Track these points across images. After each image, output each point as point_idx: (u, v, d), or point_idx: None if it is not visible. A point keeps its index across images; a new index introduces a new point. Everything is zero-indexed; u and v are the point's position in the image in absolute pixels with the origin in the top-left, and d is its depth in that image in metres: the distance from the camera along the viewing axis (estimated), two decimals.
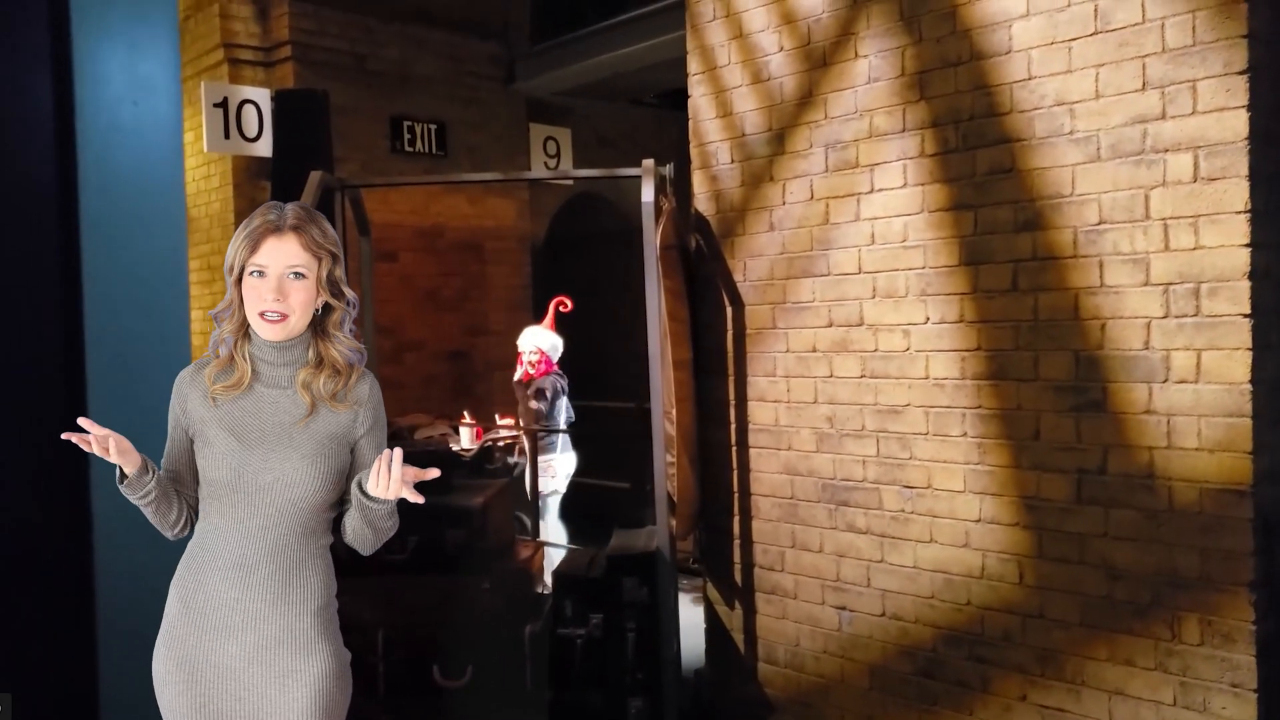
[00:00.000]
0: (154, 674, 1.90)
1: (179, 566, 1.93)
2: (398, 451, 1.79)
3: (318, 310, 1.91)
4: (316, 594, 1.91)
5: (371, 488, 1.82)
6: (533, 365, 5.81)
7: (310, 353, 1.92)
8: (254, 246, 1.85)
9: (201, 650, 1.86)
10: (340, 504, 1.98)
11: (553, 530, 5.84)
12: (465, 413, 6.24)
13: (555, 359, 5.84)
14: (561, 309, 6.00)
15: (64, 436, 1.75)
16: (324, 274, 1.89)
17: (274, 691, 1.85)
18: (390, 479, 1.78)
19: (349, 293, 1.94)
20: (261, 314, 1.86)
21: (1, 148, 2.73)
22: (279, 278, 1.85)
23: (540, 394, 5.73)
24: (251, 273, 1.85)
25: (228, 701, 1.85)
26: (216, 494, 1.87)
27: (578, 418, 6.08)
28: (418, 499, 1.81)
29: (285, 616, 1.87)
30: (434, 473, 1.82)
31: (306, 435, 1.88)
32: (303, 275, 1.86)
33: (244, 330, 1.90)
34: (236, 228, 1.90)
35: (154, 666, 1.90)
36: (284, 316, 1.86)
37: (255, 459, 1.85)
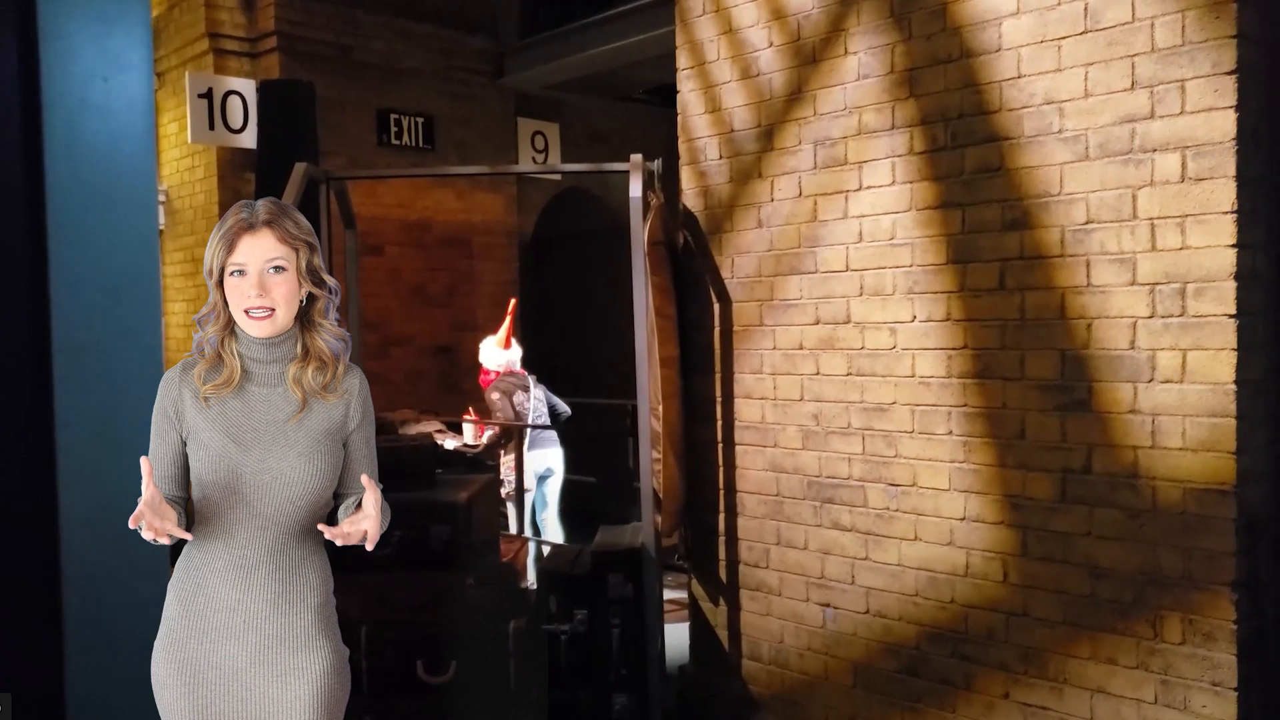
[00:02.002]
0: (153, 678, 1.89)
1: (176, 569, 1.91)
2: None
3: (302, 301, 1.90)
4: (315, 591, 1.91)
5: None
6: (484, 375, 6.01)
7: (298, 346, 1.91)
8: (230, 246, 1.83)
9: (203, 652, 1.85)
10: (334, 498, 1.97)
11: (525, 528, 5.86)
12: (470, 409, 6.26)
13: (511, 368, 5.94)
14: (510, 315, 6.11)
15: (132, 524, 1.72)
16: (303, 264, 1.88)
17: (276, 690, 1.85)
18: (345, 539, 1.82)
19: (330, 280, 1.93)
20: (247, 311, 1.84)
21: None
22: (259, 274, 1.84)
23: (492, 402, 5.89)
24: (232, 273, 1.84)
25: (229, 702, 1.85)
26: (212, 496, 1.85)
27: (562, 413, 6.09)
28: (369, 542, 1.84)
29: (286, 615, 1.86)
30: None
31: (301, 432, 1.87)
32: (283, 268, 1.85)
33: (230, 331, 1.88)
34: (219, 220, 1.89)
35: (153, 670, 1.89)
36: (271, 311, 1.85)
37: (252, 460, 1.84)
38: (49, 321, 2.67)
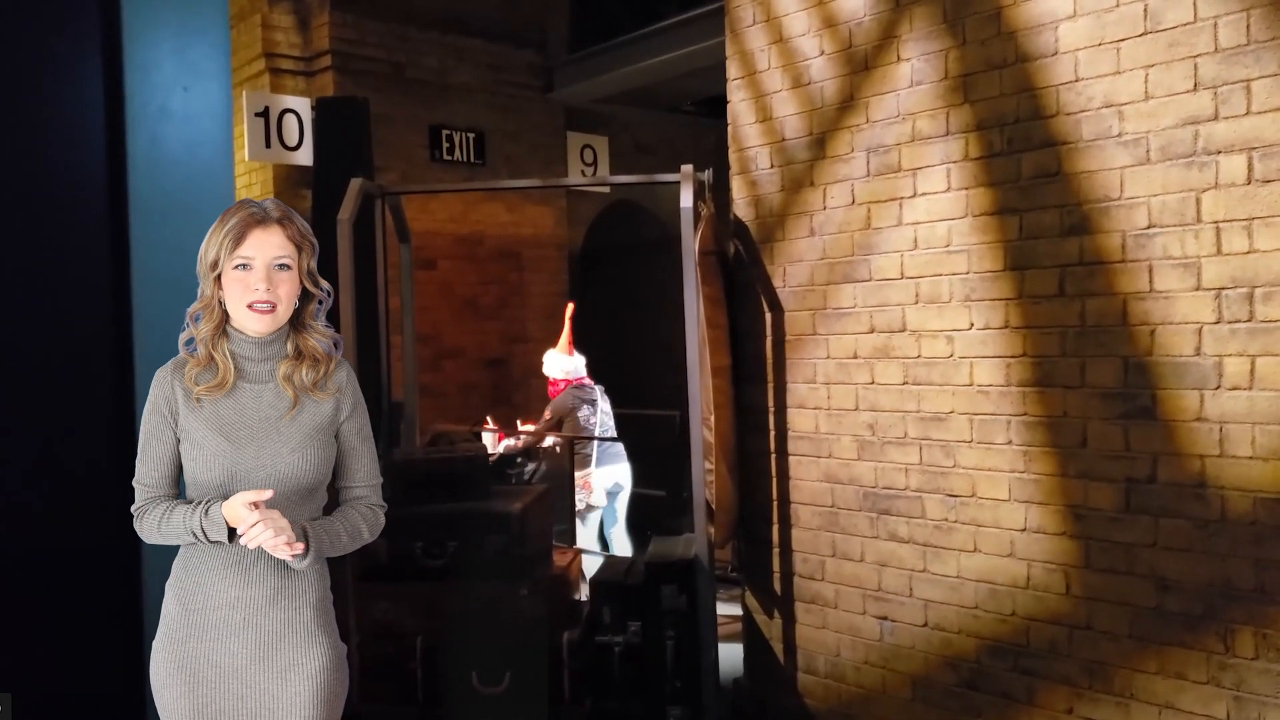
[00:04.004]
0: (152, 677, 1.90)
1: (174, 568, 1.93)
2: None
3: (296, 303, 1.92)
4: (313, 587, 1.92)
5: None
6: (551, 385, 5.96)
7: (289, 345, 1.93)
8: (239, 239, 1.85)
9: (202, 651, 1.86)
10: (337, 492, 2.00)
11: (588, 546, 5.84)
12: (488, 418, 6.30)
13: (575, 377, 5.89)
14: (568, 318, 6.07)
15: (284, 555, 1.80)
16: (305, 265, 1.91)
17: (276, 687, 1.86)
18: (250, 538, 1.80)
19: (324, 283, 1.96)
20: (250, 305, 1.86)
21: (52, 134, 2.74)
22: (266, 268, 1.86)
23: (552, 413, 5.86)
24: (236, 266, 1.86)
25: (230, 700, 1.86)
26: (208, 495, 1.86)
27: (615, 426, 6.06)
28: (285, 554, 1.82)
29: (285, 612, 1.88)
30: (267, 494, 1.79)
31: (294, 428, 1.89)
32: (288, 266, 1.88)
33: (221, 329, 1.90)
34: (221, 217, 1.90)
35: (152, 670, 1.90)
36: (273, 306, 1.87)
37: (247, 458, 1.85)
38: (131, 322, 2.76)
